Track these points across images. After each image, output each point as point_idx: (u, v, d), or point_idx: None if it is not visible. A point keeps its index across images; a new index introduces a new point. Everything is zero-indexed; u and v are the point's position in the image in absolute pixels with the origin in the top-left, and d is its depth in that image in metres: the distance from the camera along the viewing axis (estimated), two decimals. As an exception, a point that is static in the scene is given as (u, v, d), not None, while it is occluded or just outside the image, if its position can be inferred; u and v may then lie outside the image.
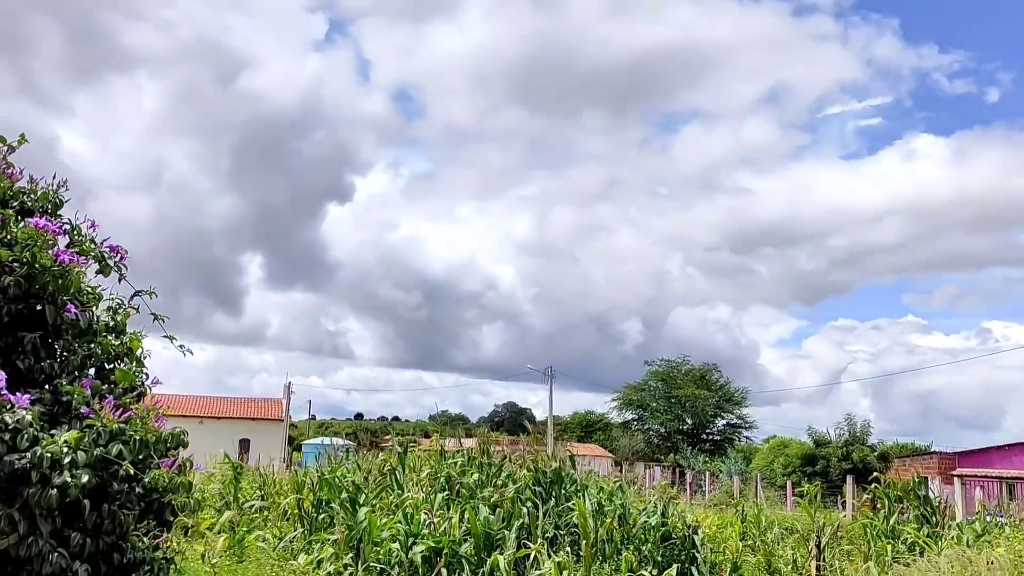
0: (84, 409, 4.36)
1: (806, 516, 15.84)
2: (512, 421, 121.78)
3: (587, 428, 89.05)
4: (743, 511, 18.40)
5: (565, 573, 10.09)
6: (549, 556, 10.68)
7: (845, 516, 17.81)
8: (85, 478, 3.97)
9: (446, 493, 12.68)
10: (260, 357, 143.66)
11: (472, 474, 12.72)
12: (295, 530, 11.26)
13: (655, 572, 11.88)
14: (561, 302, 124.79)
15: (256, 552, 10.18)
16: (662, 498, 14.68)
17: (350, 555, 9.60)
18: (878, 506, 13.76)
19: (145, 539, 4.39)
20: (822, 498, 17.50)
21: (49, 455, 3.91)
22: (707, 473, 43.30)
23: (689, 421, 69.24)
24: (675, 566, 11.61)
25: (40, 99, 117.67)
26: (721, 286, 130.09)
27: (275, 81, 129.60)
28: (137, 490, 4.44)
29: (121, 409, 4.49)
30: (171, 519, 4.56)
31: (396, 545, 9.73)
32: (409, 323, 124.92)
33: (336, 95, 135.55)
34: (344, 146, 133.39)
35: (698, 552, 12.89)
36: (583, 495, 12.68)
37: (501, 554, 9.94)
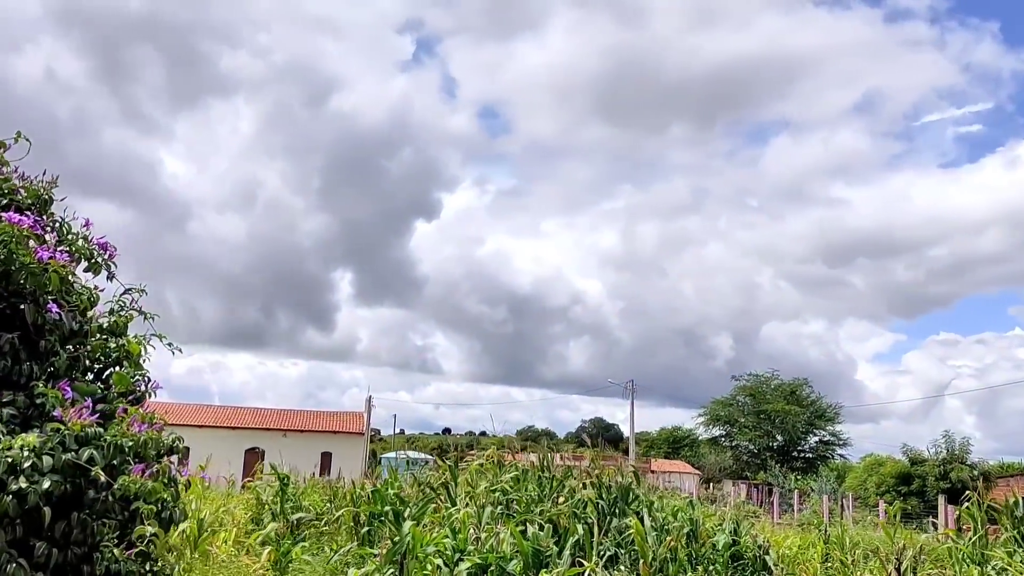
0: (57, 412, 4.16)
1: (927, 542, 14.81)
2: (599, 436, 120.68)
3: (674, 444, 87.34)
4: (826, 531, 17.43)
5: (619, 594, 9.55)
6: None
7: (932, 537, 16.62)
8: (46, 484, 3.74)
9: (500, 508, 12.31)
10: (351, 372, 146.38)
11: (527, 488, 12.29)
12: (350, 544, 11.06)
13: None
14: (648, 316, 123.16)
15: (300, 565, 10.00)
16: (735, 516, 13.96)
17: (391, 570, 9.30)
18: (963, 527, 12.68)
19: (116, 551, 4.14)
20: (918, 519, 16.42)
21: (9, 459, 3.71)
22: (796, 492, 41.60)
23: (779, 438, 67.01)
24: (741, 589, 10.91)
25: (144, 125, 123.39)
26: (814, 299, 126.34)
27: (364, 101, 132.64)
28: (113, 498, 4.21)
29: (99, 414, 4.29)
30: (150, 529, 4.30)
31: (440, 561, 9.36)
32: (495, 338, 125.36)
33: (423, 113, 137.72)
34: (431, 163, 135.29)
35: (770, 573, 12.17)
36: (645, 512, 12.09)
37: (549, 572, 9.47)
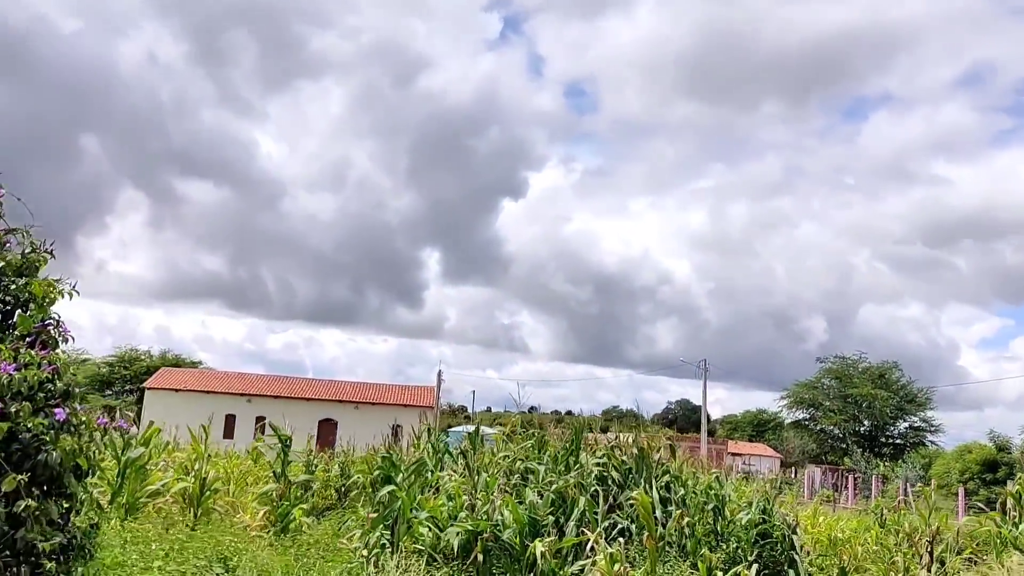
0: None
1: (966, 525, 13.87)
2: (685, 418, 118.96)
3: (759, 427, 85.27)
4: (882, 516, 16.57)
5: (618, 566, 9.15)
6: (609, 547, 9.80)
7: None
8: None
9: (516, 478, 12.06)
10: (439, 349, 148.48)
11: (538, 459, 12.00)
12: (360, 507, 11.02)
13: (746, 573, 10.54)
14: (738, 297, 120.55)
15: (299, 524, 9.97)
16: (767, 495, 13.33)
17: (378, 533, 9.17)
18: (1009, 511, 11.79)
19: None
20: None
21: None
22: (875, 477, 40.00)
23: (866, 423, 64.62)
24: (755, 567, 10.34)
25: (239, 106, 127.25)
26: (914, 282, 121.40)
27: (451, 80, 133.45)
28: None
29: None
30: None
31: (426, 528, 9.17)
32: (581, 318, 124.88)
33: (510, 92, 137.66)
34: (518, 142, 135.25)
35: (797, 554, 11.54)
36: (655, 485, 11.63)
37: (542, 541, 9.16)
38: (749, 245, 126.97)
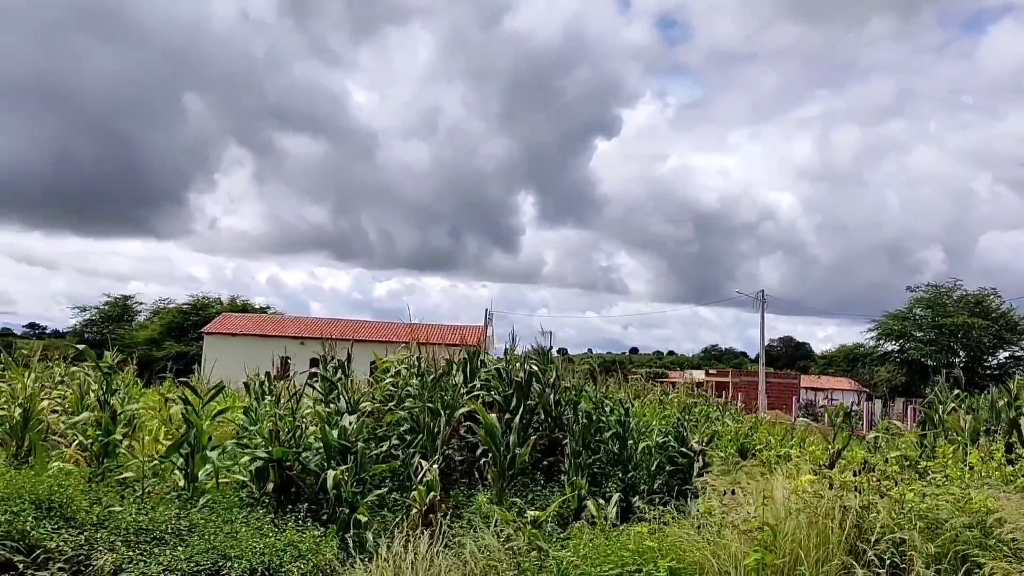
0: None
1: None
2: (788, 356, 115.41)
3: (852, 361, 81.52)
4: (876, 442, 14.80)
5: (432, 495, 8.18)
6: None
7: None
8: None
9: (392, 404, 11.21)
10: (539, 293, 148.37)
11: (408, 384, 11.08)
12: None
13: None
14: (848, 230, 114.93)
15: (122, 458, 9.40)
16: (684, 419, 12.02)
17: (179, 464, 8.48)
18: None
19: None
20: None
21: None
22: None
23: (962, 354, 60.52)
24: (616, 496, 9.17)
25: (329, 57, 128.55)
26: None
27: (537, 20, 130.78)
28: None
29: None
30: None
31: (214, 454, 8.41)
32: (681, 257, 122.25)
33: (598, 28, 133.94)
34: (609, 79, 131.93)
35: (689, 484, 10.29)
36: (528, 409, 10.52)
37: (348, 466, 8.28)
38: (858, 174, 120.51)
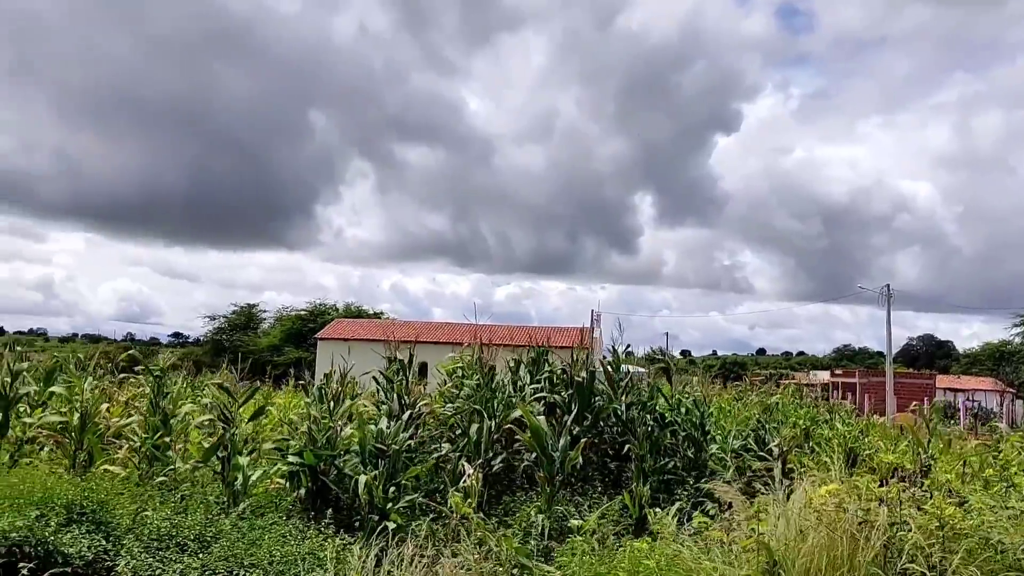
0: None
1: None
2: (928, 355, 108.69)
3: (999, 360, 76.04)
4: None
5: (471, 501, 7.67)
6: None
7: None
8: None
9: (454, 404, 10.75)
10: (659, 294, 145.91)
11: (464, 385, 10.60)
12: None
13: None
14: (993, 219, 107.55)
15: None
16: (766, 419, 11.03)
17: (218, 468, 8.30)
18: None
19: None
20: None
21: None
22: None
23: (1124, 348, 55.28)
24: (676, 503, 8.38)
25: (445, 67, 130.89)
26: None
27: (652, 17, 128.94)
28: None
29: None
30: None
31: (245, 459, 8.15)
32: (810, 253, 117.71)
33: (715, 22, 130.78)
34: (727, 73, 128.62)
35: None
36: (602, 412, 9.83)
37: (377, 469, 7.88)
38: (1003, 160, 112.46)
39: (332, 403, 8.91)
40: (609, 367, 11.48)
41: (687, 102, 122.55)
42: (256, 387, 9.23)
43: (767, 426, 10.60)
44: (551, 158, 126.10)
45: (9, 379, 10.03)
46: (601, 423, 10.66)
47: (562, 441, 8.83)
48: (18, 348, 10.49)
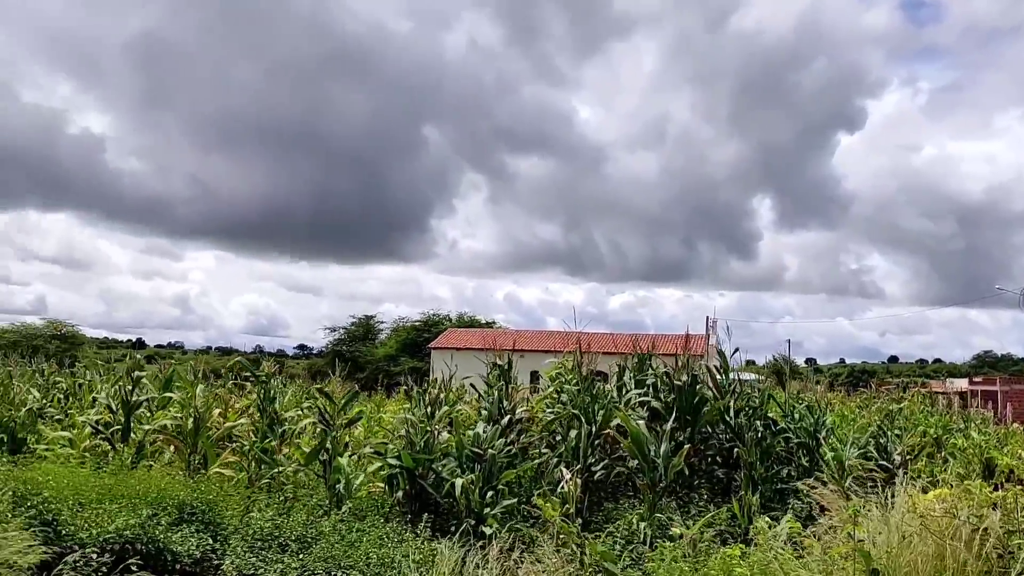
0: None
1: None
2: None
3: None
4: None
5: (568, 507, 7.52)
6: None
7: None
8: None
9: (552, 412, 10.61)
10: (781, 301, 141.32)
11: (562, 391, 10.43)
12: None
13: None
14: None
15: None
16: (887, 427, 10.39)
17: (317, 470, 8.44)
18: None
19: None
20: None
21: None
22: None
23: None
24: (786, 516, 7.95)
25: (555, 78, 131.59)
26: None
27: (767, 15, 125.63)
28: None
29: None
30: None
31: (345, 460, 8.24)
32: (943, 255, 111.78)
33: (834, 16, 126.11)
34: (849, 69, 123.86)
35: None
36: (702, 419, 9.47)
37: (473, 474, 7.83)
38: None
39: (430, 408, 8.92)
40: (716, 371, 11.10)
41: (806, 101, 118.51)
42: (355, 392, 9.36)
43: (888, 434, 9.98)
44: (664, 163, 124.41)
45: (130, 386, 10.49)
46: (707, 429, 10.29)
47: (663, 447, 8.55)
48: (136, 356, 10.99)
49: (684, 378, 10.16)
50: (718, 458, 10.48)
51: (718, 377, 10.96)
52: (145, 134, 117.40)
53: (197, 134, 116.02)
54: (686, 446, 8.68)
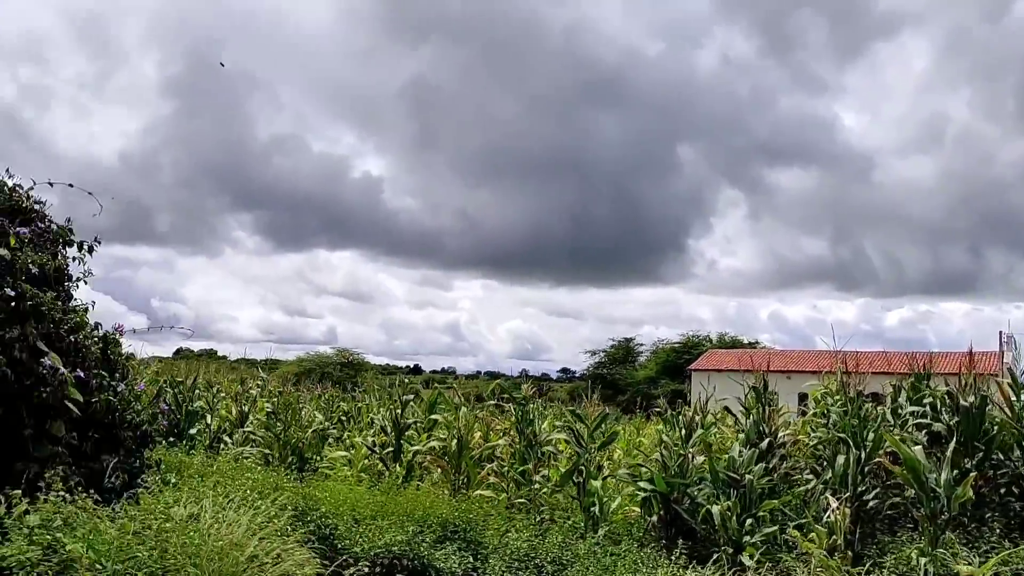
0: None
1: None
2: None
3: None
4: None
5: (835, 538, 7.02)
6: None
7: None
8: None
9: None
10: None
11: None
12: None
13: None
14: None
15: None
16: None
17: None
18: None
19: None
20: None
21: None
22: None
23: None
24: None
25: (814, 86, 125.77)
26: None
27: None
28: None
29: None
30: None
31: (598, 483, 8.23)
32: None
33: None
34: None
35: None
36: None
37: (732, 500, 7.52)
38: None
39: (685, 431, 8.69)
40: (1010, 390, 9.84)
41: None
42: (605, 413, 9.33)
43: None
44: (942, 167, 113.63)
45: (399, 410, 11.21)
46: (998, 455, 9.12)
47: (944, 475, 7.68)
48: (405, 380, 11.74)
49: (971, 399, 9.09)
50: (1013, 488, 9.27)
51: (1012, 398, 9.72)
52: (418, 174, 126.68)
53: (464, 170, 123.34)
54: (972, 474, 7.73)
